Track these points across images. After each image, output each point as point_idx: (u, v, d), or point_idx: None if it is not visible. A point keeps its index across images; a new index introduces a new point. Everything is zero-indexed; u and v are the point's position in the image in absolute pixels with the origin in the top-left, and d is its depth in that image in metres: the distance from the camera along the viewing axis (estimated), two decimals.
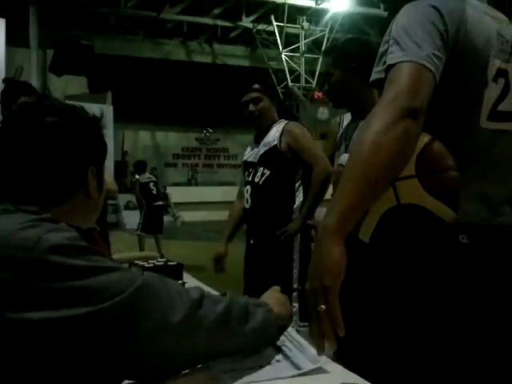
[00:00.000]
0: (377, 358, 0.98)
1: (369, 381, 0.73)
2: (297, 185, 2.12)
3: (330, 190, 1.55)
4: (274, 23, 12.09)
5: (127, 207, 10.50)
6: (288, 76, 12.64)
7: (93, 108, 0.86)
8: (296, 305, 1.98)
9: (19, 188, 0.70)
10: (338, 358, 0.79)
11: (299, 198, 2.11)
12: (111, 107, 8.03)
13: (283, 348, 0.83)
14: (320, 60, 12.00)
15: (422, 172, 0.77)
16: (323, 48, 11.13)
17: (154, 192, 6.15)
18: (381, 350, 0.97)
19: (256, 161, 2.14)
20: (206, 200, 11.84)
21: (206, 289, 0.81)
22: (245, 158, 2.25)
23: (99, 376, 0.63)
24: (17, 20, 8.35)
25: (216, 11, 11.80)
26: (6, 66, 5.87)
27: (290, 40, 12.49)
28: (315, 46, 12.52)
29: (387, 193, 0.77)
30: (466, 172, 0.82)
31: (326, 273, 0.71)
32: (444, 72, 0.82)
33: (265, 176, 2.08)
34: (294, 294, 2.01)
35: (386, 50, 0.85)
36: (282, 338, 0.86)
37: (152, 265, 1.47)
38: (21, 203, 0.68)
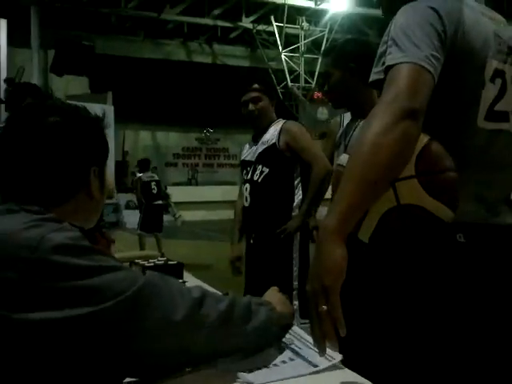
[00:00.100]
0: (377, 356, 0.98)
1: (369, 379, 0.74)
2: (296, 182, 2.12)
3: (330, 189, 1.55)
4: (274, 24, 12.10)
5: (128, 207, 10.50)
6: (288, 76, 12.64)
7: (95, 108, 0.86)
8: (296, 302, 1.98)
9: (22, 188, 0.71)
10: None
11: (298, 195, 2.12)
12: (112, 107, 8.04)
13: (293, 347, 0.83)
14: (319, 60, 12.03)
15: (422, 173, 0.77)
16: (322, 48, 11.16)
17: (155, 191, 6.15)
18: (381, 349, 0.97)
19: (254, 159, 2.14)
20: (206, 199, 11.83)
21: (207, 288, 0.81)
22: (243, 157, 2.25)
23: (101, 374, 0.63)
24: (18, 21, 8.36)
25: (216, 12, 11.81)
26: (8, 66, 5.87)
27: (290, 40, 12.50)
28: (315, 46, 12.52)
29: (387, 193, 0.77)
30: (464, 172, 0.82)
31: (326, 273, 0.71)
32: (442, 72, 0.82)
33: (264, 174, 2.08)
34: (294, 291, 2.01)
35: (385, 51, 0.85)
36: (290, 336, 0.86)
37: (152, 264, 1.47)
38: (24, 203, 0.68)
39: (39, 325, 0.58)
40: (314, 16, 12.13)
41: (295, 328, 0.89)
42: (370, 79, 0.91)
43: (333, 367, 0.76)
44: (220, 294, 0.83)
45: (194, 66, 13.15)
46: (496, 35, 0.90)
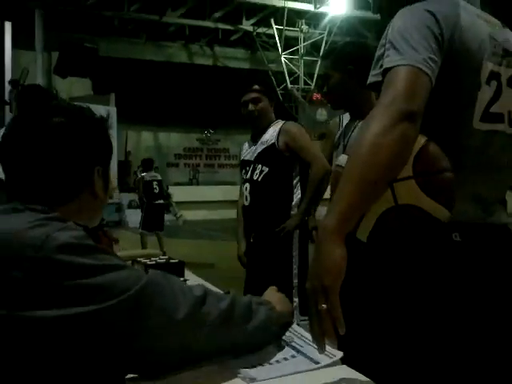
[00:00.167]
0: (376, 354, 0.99)
1: (368, 377, 0.75)
2: (295, 181, 2.13)
3: (329, 189, 1.57)
4: (274, 26, 12.13)
5: (130, 206, 10.54)
6: (287, 78, 12.65)
7: (99, 109, 0.86)
8: (296, 299, 2.00)
9: (27, 187, 0.71)
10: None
11: (297, 194, 2.13)
12: (115, 108, 8.08)
13: (293, 344, 0.84)
14: (319, 62, 12.05)
15: (419, 173, 0.78)
16: (322, 51, 11.18)
17: (156, 191, 6.17)
18: (379, 346, 0.98)
19: (253, 159, 2.15)
20: (207, 199, 11.82)
21: (208, 286, 0.82)
22: (242, 157, 2.26)
23: (104, 371, 0.64)
24: (23, 23, 8.39)
25: (217, 15, 11.83)
26: (12, 67, 5.90)
27: (290, 43, 12.52)
28: (314, 48, 12.55)
29: (385, 194, 0.78)
30: (460, 173, 0.83)
31: (326, 273, 0.71)
32: (439, 75, 0.83)
33: (263, 173, 2.10)
34: (294, 289, 2.02)
35: (383, 54, 0.85)
36: (290, 334, 0.86)
37: (154, 262, 1.48)
38: (29, 202, 0.69)
39: (43, 323, 0.59)
40: (313, 19, 12.16)
41: (295, 326, 0.90)
42: (368, 81, 0.91)
43: (334, 364, 0.77)
44: (221, 292, 0.83)
45: (195, 68, 13.17)
46: (491, 38, 0.91)
